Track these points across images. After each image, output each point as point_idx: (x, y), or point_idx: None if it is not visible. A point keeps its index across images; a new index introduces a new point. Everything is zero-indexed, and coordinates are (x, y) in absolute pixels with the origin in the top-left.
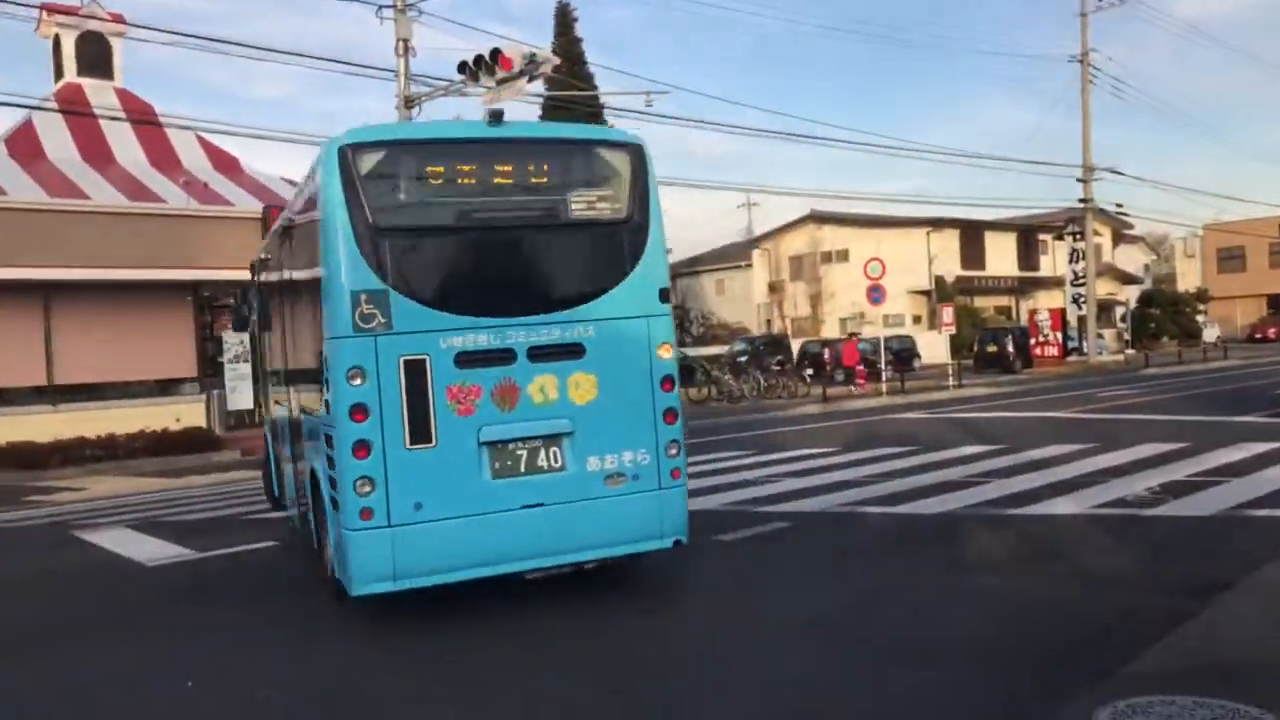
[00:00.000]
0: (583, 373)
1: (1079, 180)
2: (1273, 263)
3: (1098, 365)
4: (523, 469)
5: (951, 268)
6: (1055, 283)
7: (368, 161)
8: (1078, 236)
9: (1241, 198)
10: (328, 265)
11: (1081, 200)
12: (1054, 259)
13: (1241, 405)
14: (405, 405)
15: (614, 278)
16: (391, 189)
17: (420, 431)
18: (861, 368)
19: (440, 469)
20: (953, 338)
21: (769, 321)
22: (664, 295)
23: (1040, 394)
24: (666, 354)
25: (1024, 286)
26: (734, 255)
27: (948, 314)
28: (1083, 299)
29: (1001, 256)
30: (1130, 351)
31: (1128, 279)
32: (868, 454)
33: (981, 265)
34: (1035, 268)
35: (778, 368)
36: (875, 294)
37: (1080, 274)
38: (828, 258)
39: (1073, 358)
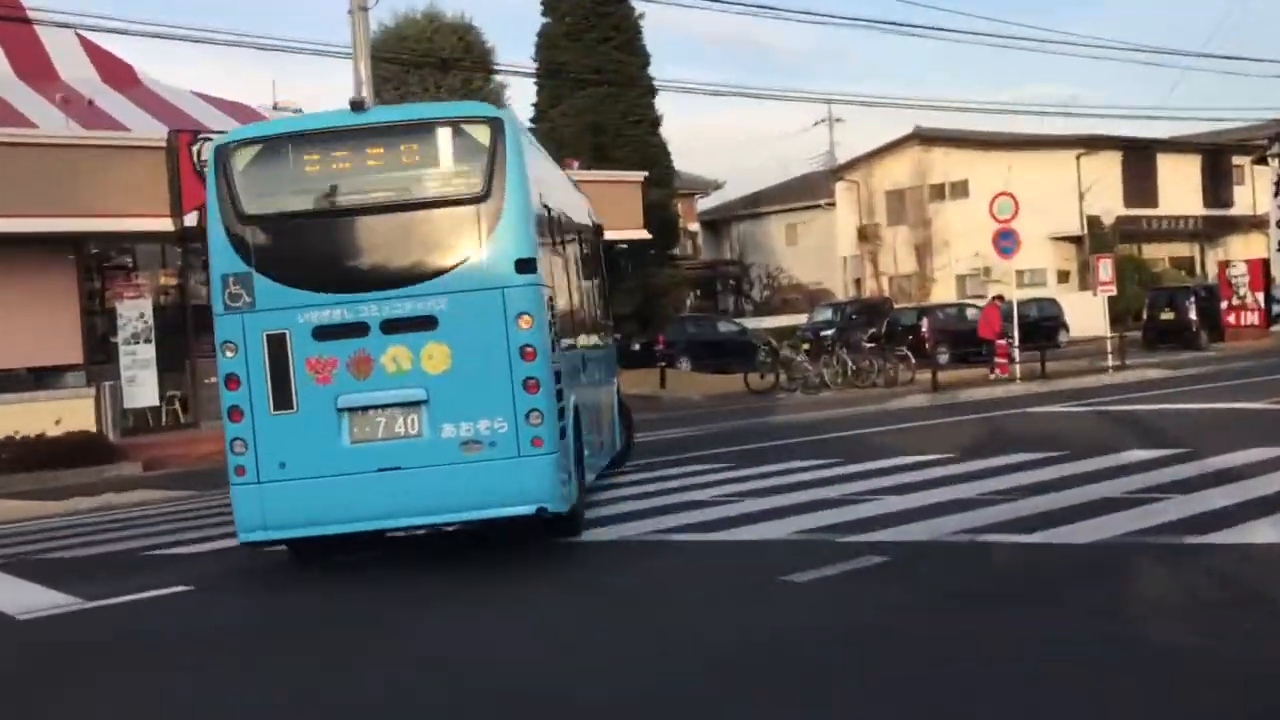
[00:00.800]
0: (435, 344)
1: None
2: None
3: None
4: (380, 434)
5: (1111, 205)
6: (1254, 224)
7: (242, 158)
8: None
9: None
10: (209, 251)
11: None
12: (1253, 191)
13: None
14: (269, 375)
15: (466, 252)
16: (259, 181)
17: (283, 399)
18: (1004, 342)
19: (302, 433)
20: (1112, 301)
21: (858, 281)
22: (521, 266)
23: (1234, 378)
24: (526, 325)
25: (1211, 230)
26: (811, 191)
27: (1106, 268)
28: None
29: (1180, 189)
30: None
31: None
32: (995, 462)
33: (1152, 202)
34: (1227, 203)
35: (872, 345)
36: (1005, 241)
37: None
38: (939, 192)
39: None
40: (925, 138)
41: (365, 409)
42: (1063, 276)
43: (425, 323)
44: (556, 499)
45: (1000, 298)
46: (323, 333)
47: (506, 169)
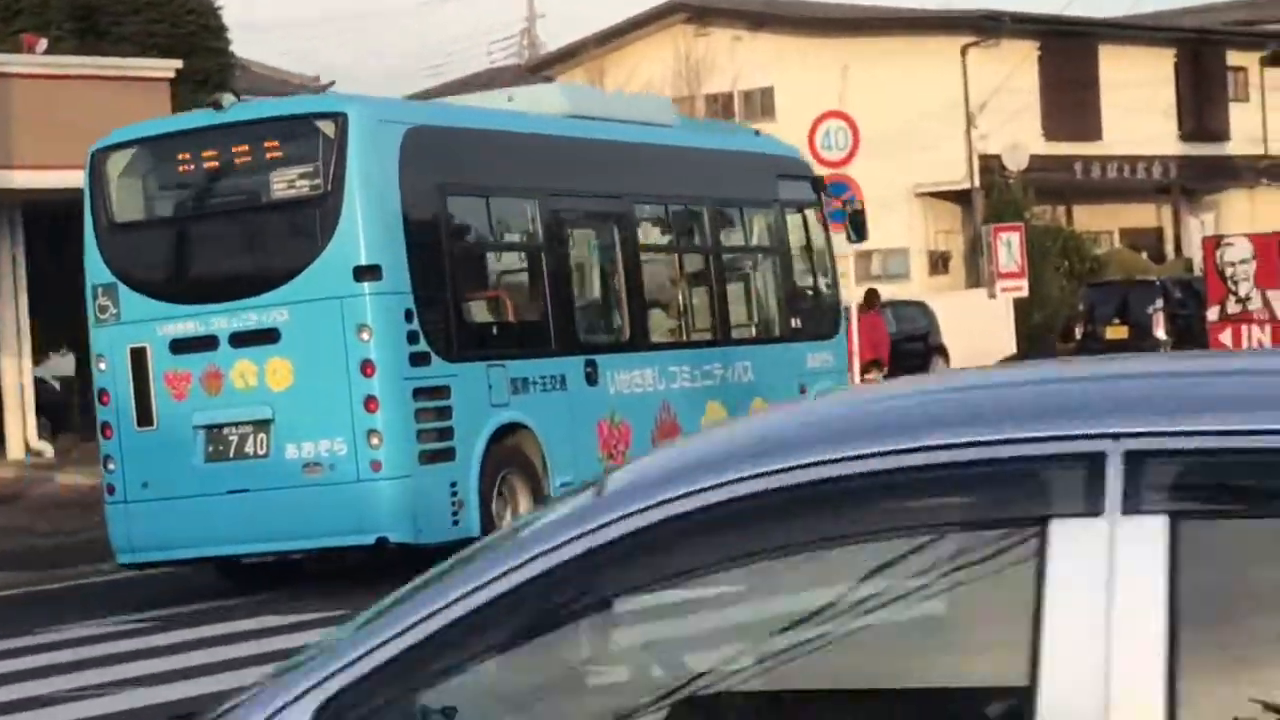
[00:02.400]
0: (279, 358)
1: None
2: None
3: None
4: (232, 454)
5: (1023, 137)
6: (1266, 171)
7: (116, 163)
8: None
9: None
10: (84, 261)
11: None
12: (1263, 112)
13: None
14: (133, 390)
15: (307, 257)
16: (130, 186)
17: (145, 415)
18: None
19: (162, 451)
20: (1023, 305)
21: None
22: (360, 273)
23: None
24: (366, 337)
25: (1193, 180)
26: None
27: (1010, 249)
28: None
29: (1140, 110)
30: None
31: None
32: None
33: (1093, 131)
34: (1218, 135)
35: None
36: (835, 200)
37: None
38: (723, 107)
39: None
40: (698, 10)
41: (218, 427)
42: (938, 264)
43: (268, 335)
44: (403, 529)
45: (876, 298)
46: (178, 346)
47: (349, 167)
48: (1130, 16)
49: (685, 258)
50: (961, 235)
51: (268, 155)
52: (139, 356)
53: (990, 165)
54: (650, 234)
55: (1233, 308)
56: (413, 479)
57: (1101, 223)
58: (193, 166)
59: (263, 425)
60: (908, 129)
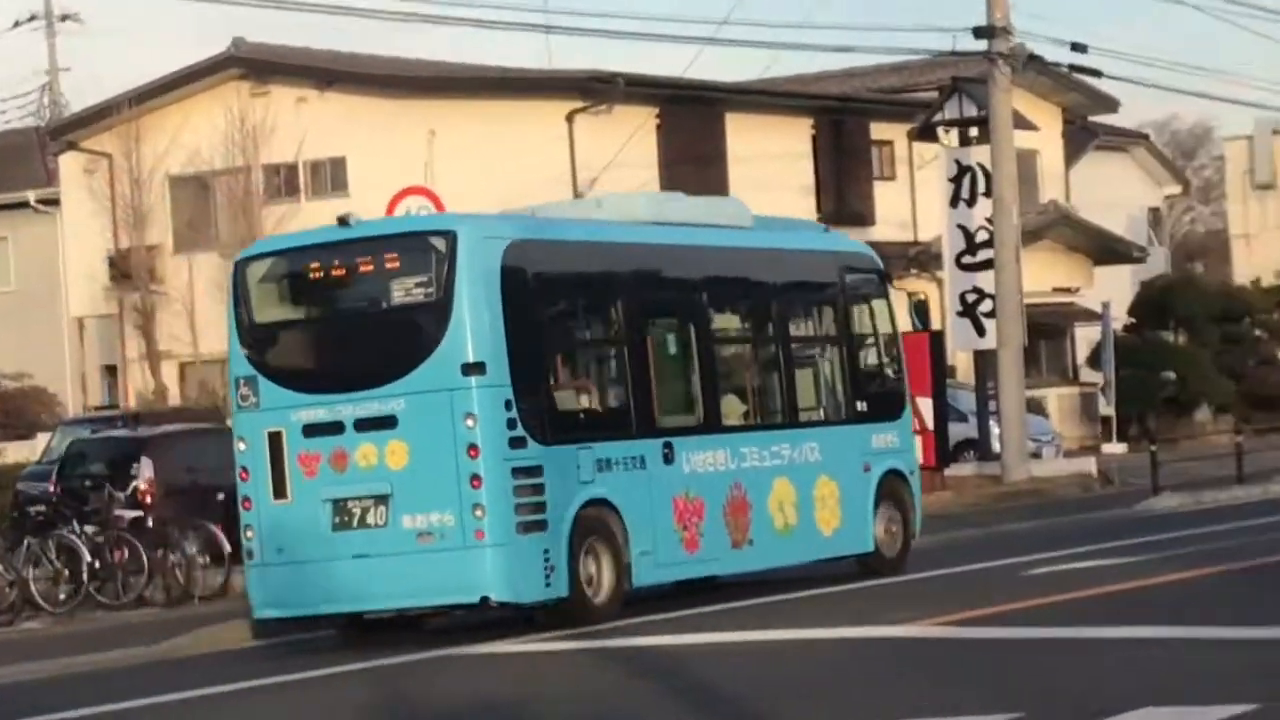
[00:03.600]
0: (397, 441)
1: None
2: None
3: (1031, 488)
4: (355, 524)
5: None
6: (915, 260)
7: (255, 271)
8: (971, 132)
9: None
10: (229, 356)
11: (982, 33)
12: (910, 191)
13: None
14: (270, 468)
15: (422, 354)
16: (264, 292)
17: (280, 489)
18: None
19: (294, 520)
20: None
21: (114, 372)
22: (467, 369)
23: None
24: (471, 424)
25: None
26: (13, 167)
27: None
28: (976, 297)
29: (771, 188)
30: (1116, 446)
31: (1107, 250)
32: None
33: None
34: (862, 217)
35: (140, 509)
36: None
37: (977, 234)
38: (286, 180)
39: (967, 467)
40: (255, 65)
41: (344, 500)
42: None
43: (387, 422)
44: (503, 589)
45: None
46: (309, 430)
47: (458, 277)
48: (762, 81)
49: (757, 347)
50: None
51: (388, 266)
52: (275, 439)
53: None
54: (724, 325)
55: None
56: (511, 546)
57: None
58: (322, 275)
59: (382, 499)
60: (506, 205)
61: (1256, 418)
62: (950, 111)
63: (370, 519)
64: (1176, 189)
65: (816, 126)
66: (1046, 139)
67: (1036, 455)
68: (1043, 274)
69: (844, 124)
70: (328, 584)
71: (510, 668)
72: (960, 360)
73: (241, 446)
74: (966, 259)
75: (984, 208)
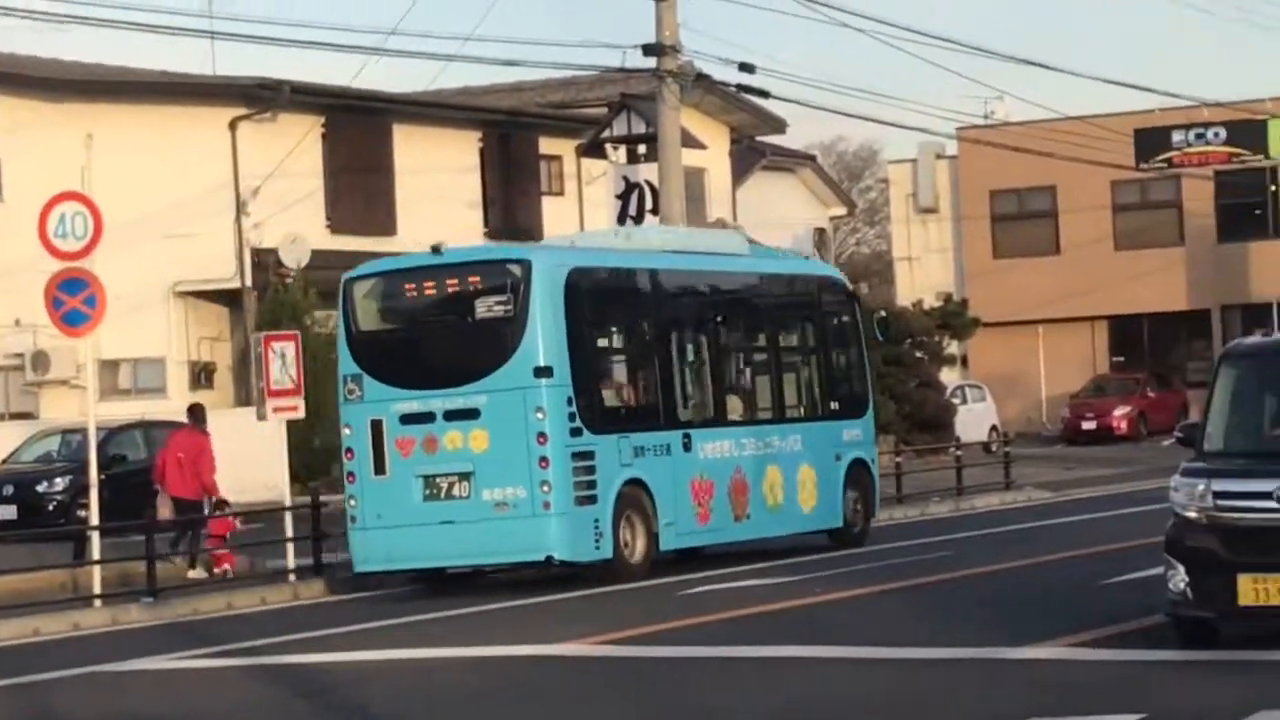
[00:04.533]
0: (479, 429)
1: None
2: (1134, 229)
3: None
4: (442, 496)
5: (305, 231)
6: None
7: (360, 289)
8: (639, 149)
9: (1056, 67)
10: (338, 357)
11: (651, 51)
12: (578, 207)
13: (1028, 614)
14: (371, 449)
15: (500, 359)
16: (368, 306)
17: (380, 467)
18: (226, 516)
19: (391, 492)
20: (300, 427)
21: None
22: (538, 373)
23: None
24: (541, 417)
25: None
26: None
27: (282, 360)
28: None
29: (438, 201)
30: None
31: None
32: None
33: (388, 226)
34: (529, 231)
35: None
36: (72, 297)
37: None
38: None
39: None
40: None
41: (433, 476)
42: (201, 376)
43: (472, 413)
44: (565, 550)
45: (200, 412)
46: (406, 419)
47: (532, 296)
48: (430, 93)
49: (753, 355)
50: (230, 343)
51: (472, 287)
52: (376, 426)
53: (265, 261)
54: (728, 337)
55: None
56: (570, 516)
57: None
58: (417, 292)
59: (465, 476)
60: (167, 215)
61: (917, 439)
62: (619, 128)
63: (455, 492)
64: (842, 210)
65: (485, 140)
66: (714, 157)
67: None
68: None
69: (512, 138)
70: (418, 545)
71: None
72: None
73: (347, 432)
74: None
75: (651, 224)
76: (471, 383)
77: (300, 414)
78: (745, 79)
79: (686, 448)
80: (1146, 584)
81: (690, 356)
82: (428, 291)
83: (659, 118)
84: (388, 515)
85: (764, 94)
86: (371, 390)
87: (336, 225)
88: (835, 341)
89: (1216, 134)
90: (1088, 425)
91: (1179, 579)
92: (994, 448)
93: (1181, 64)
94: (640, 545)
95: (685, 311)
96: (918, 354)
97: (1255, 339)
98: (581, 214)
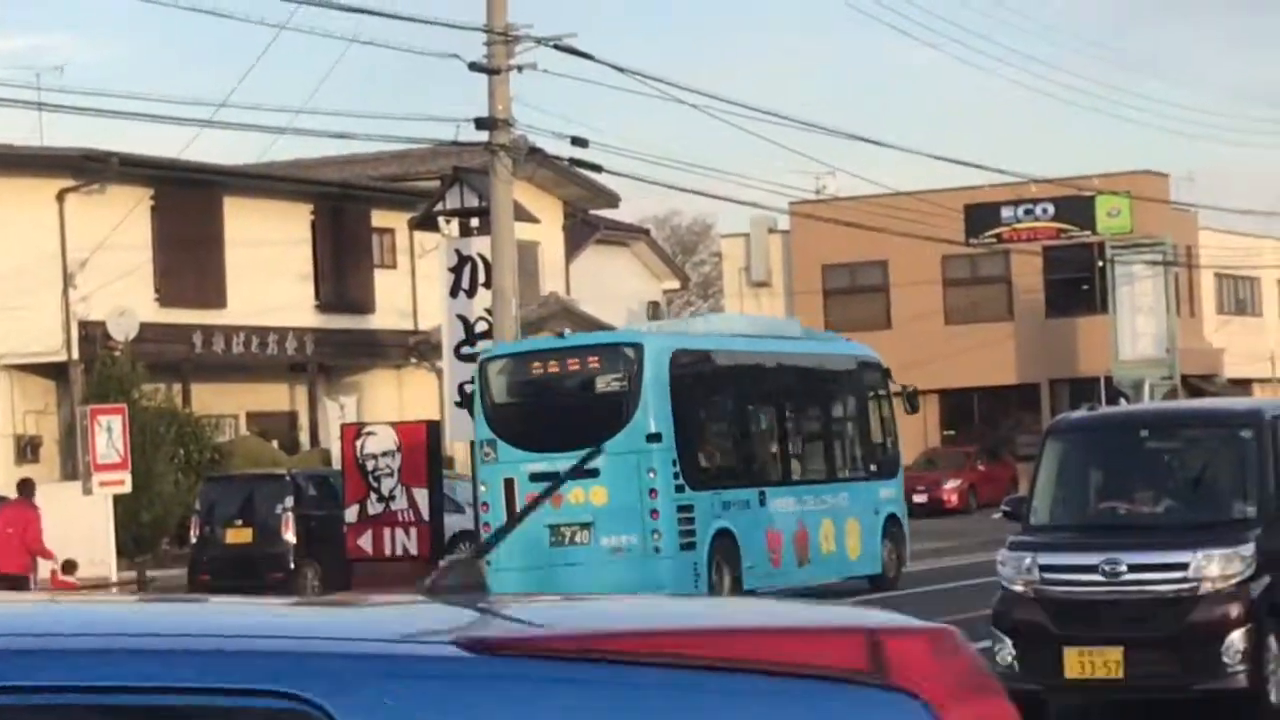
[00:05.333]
0: (598, 486)
1: (484, 67)
2: (965, 304)
3: None
4: (566, 542)
5: (134, 304)
6: (409, 348)
7: (494, 367)
8: (472, 222)
9: (886, 143)
10: (474, 424)
11: (484, 124)
12: (410, 281)
13: None
14: (504, 503)
15: (617, 427)
16: (501, 381)
17: (512, 518)
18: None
19: (522, 539)
20: (127, 501)
21: None
22: (649, 439)
23: None
24: (651, 476)
25: (331, 354)
26: None
27: (109, 433)
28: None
29: (269, 275)
30: None
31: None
32: None
33: (218, 299)
34: (361, 306)
35: None
36: None
37: (476, 325)
38: None
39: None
40: None
41: (559, 526)
42: (27, 450)
43: (592, 473)
44: (671, 587)
45: (30, 487)
46: (534, 477)
47: (644, 374)
48: (261, 165)
49: (810, 423)
50: (56, 417)
51: (591, 365)
52: (509, 483)
53: (93, 334)
54: (791, 407)
55: (374, 507)
56: (675, 559)
57: (226, 405)
58: (543, 370)
59: (587, 525)
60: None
61: None
62: (451, 201)
63: (578, 539)
64: (676, 284)
65: (316, 212)
66: (548, 231)
67: None
68: None
69: (344, 211)
70: (546, 584)
71: None
72: (458, 451)
73: (483, 488)
74: (466, 349)
75: (484, 298)
76: (591, 445)
77: (126, 488)
78: (578, 153)
79: (762, 503)
80: None
81: (763, 424)
82: (552, 369)
83: (492, 191)
84: (520, 559)
85: (597, 168)
86: (504, 453)
87: (166, 298)
88: (873, 412)
89: (1045, 210)
90: (919, 498)
91: (1006, 652)
92: None
93: (1010, 141)
94: (727, 585)
95: (759, 386)
96: None
97: (1080, 414)
98: (414, 287)
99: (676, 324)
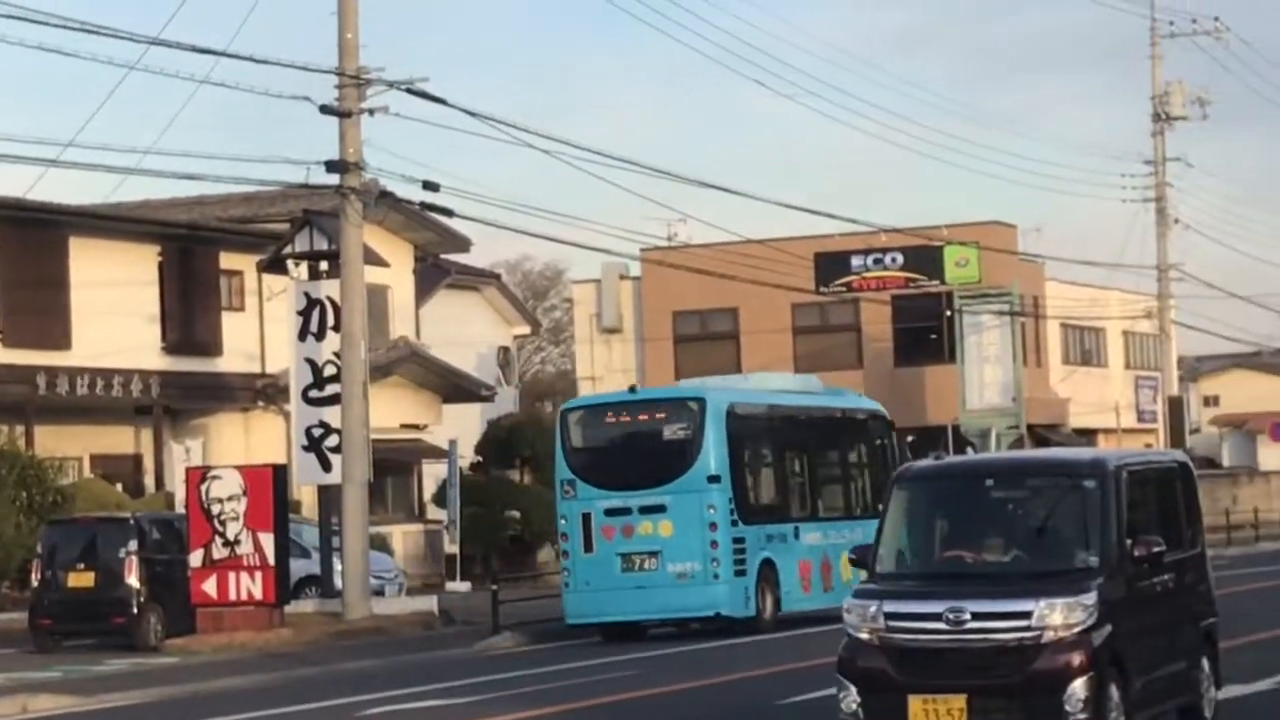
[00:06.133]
0: (666, 520)
1: (335, 110)
2: (814, 352)
3: (373, 626)
4: (637, 569)
5: None
6: (256, 391)
7: (572, 417)
8: (322, 265)
9: (738, 190)
10: (555, 465)
11: (335, 168)
12: (258, 323)
13: None
14: (582, 534)
15: (682, 469)
16: (580, 429)
17: (588, 546)
18: None
19: (597, 565)
20: None
21: None
22: (710, 479)
23: None
24: (712, 512)
25: (177, 396)
26: None
27: None
28: (322, 432)
29: (115, 316)
30: (460, 585)
31: (456, 388)
32: None
33: (62, 340)
34: (208, 348)
35: None
36: None
37: (325, 368)
38: None
39: (309, 604)
40: None
41: (630, 554)
42: None
43: (660, 508)
44: (728, 608)
45: None
46: (609, 512)
47: (706, 424)
48: (109, 206)
49: (831, 467)
50: None
51: (659, 417)
52: (586, 517)
53: None
54: (816, 453)
55: (219, 551)
56: (731, 583)
57: (70, 447)
58: (616, 420)
59: (654, 553)
60: None
61: None
62: (301, 244)
63: (647, 565)
64: (526, 329)
65: (164, 254)
66: (398, 275)
67: (380, 593)
68: (392, 410)
69: (192, 252)
70: (618, 604)
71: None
72: (305, 495)
73: (563, 521)
74: (314, 393)
75: (333, 342)
76: (660, 486)
77: None
78: (430, 197)
79: (796, 536)
80: (823, 704)
81: (796, 467)
82: (624, 419)
83: (342, 234)
84: (595, 582)
85: (448, 212)
86: (583, 491)
87: (9, 338)
88: (880, 457)
89: (894, 259)
90: None
91: (851, 700)
92: None
93: (862, 191)
94: (770, 606)
95: (793, 435)
96: None
97: (927, 462)
98: (262, 330)
99: (728, 381)
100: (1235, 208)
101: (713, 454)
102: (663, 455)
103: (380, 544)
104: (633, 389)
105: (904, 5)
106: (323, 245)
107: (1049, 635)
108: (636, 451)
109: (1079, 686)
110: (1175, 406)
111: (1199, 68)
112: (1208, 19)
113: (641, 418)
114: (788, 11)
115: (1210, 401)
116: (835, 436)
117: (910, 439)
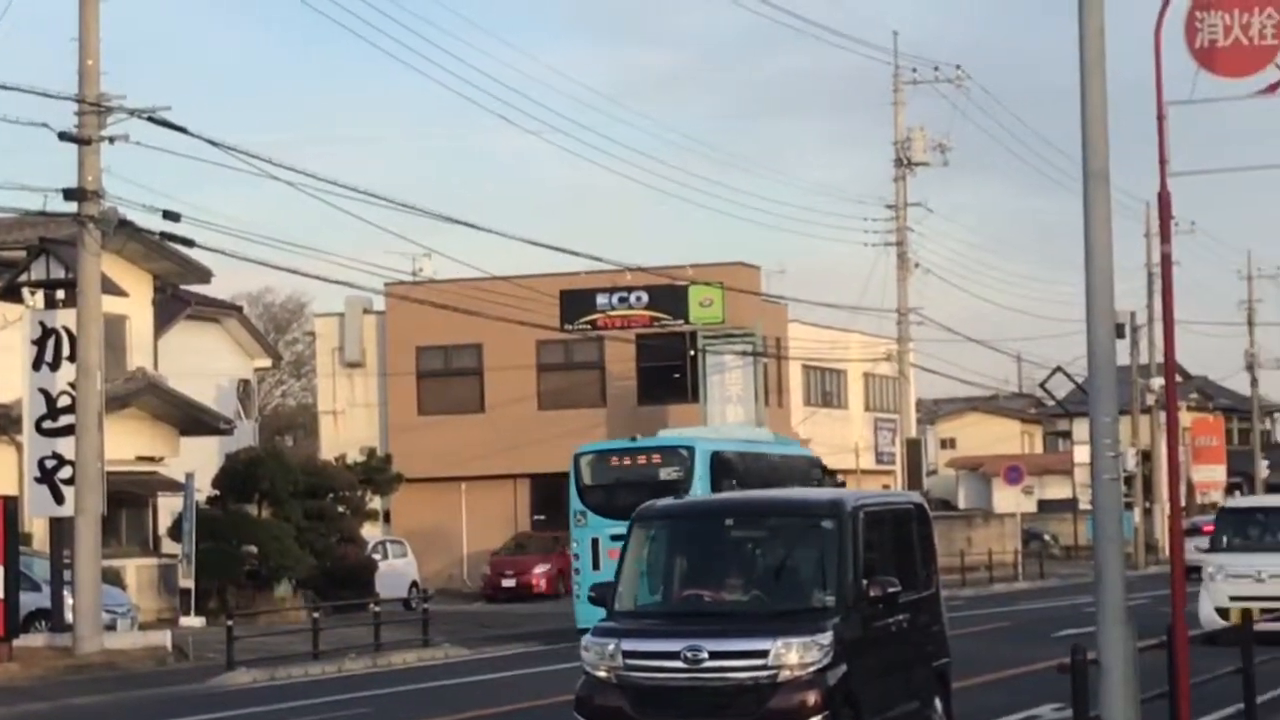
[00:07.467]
0: None
1: (74, 137)
2: (558, 389)
3: (105, 660)
4: None
5: None
6: None
7: (584, 460)
8: (58, 294)
9: (483, 226)
10: (570, 500)
11: (73, 195)
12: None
13: None
14: (591, 555)
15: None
16: (590, 469)
17: (596, 565)
18: None
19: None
20: None
21: None
22: None
23: None
24: None
25: None
26: None
27: None
28: (56, 463)
29: None
30: (194, 619)
31: (194, 420)
32: None
33: None
34: None
35: None
36: None
37: (59, 399)
38: None
39: (38, 638)
40: None
41: None
42: None
43: None
44: None
45: None
46: (614, 537)
47: (695, 466)
48: None
49: None
50: None
51: (655, 460)
52: (595, 541)
53: None
54: (772, 489)
55: None
56: None
57: None
58: (619, 463)
59: None
60: None
61: (338, 594)
62: (37, 272)
63: None
64: (268, 362)
65: None
66: (137, 305)
67: (112, 627)
68: (127, 442)
69: None
70: None
71: None
72: (37, 527)
73: (576, 545)
74: (47, 424)
75: (68, 372)
76: None
77: None
78: (170, 227)
79: None
80: None
81: None
82: (626, 462)
83: (79, 263)
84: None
85: (189, 242)
86: (592, 520)
87: None
88: None
89: (639, 298)
90: (508, 583)
91: None
92: (414, 604)
93: (608, 230)
94: None
95: (755, 475)
96: (340, 509)
97: (666, 501)
98: None
99: (700, 431)
100: (974, 253)
101: (699, 489)
102: (659, 491)
103: (113, 578)
104: (633, 439)
105: (668, 46)
106: (59, 274)
107: (785, 674)
108: (637, 488)
109: None
110: (913, 448)
111: (941, 115)
112: (950, 67)
113: (641, 460)
114: (544, 53)
115: (947, 444)
116: (786, 476)
117: (841, 480)
